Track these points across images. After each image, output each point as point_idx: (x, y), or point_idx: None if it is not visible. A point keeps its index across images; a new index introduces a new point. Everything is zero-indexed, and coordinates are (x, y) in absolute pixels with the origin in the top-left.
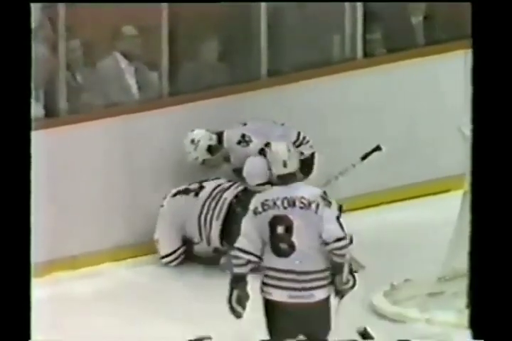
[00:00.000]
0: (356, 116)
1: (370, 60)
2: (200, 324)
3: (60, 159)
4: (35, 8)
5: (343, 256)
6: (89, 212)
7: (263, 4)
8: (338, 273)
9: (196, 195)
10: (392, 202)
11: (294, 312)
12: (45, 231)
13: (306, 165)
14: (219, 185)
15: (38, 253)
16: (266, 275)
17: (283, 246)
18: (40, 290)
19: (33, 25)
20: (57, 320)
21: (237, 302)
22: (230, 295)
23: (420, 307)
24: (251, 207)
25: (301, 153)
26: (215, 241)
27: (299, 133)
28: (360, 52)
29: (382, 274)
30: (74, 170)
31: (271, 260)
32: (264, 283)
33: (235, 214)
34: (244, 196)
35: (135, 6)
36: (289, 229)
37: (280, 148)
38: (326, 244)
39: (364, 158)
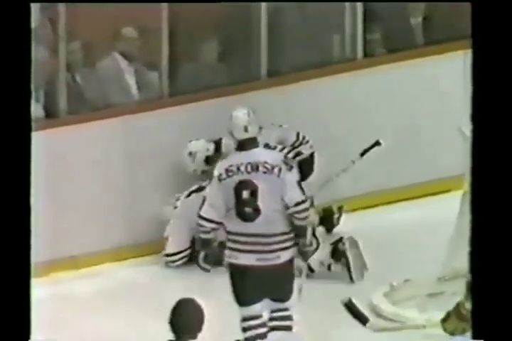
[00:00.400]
0: (356, 116)
1: (370, 60)
2: None
3: (60, 159)
4: (35, 8)
5: (303, 219)
6: (89, 212)
7: (263, 4)
8: (301, 236)
9: None
10: (392, 203)
11: (260, 275)
12: (46, 232)
13: (307, 165)
14: None
15: (38, 253)
16: (232, 241)
17: (248, 210)
18: (41, 290)
19: (33, 25)
20: (57, 320)
21: (204, 261)
22: (198, 255)
23: (420, 307)
24: (215, 173)
25: (301, 153)
26: None
27: (298, 134)
28: (360, 53)
29: (382, 274)
30: (74, 170)
31: (236, 225)
32: (230, 248)
33: None
34: None
35: (135, 6)
36: (253, 194)
37: (240, 114)
38: (287, 207)
39: (363, 153)
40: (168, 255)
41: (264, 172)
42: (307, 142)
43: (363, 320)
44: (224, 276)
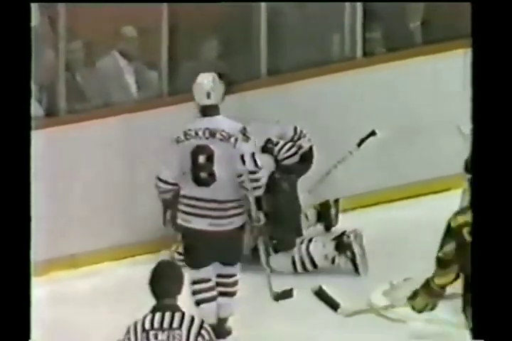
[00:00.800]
0: (356, 115)
1: (369, 59)
2: None
3: (59, 158)
4: (35, 7)
5: (246, 189)
6: (88, 211)
7: (263, 4)
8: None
9: None
10: (392, 201)
11: (212, 240)
12: (45, 230)
13: (307, 158)
14: None
15: (37, 252)
16: (186, 204)
17: (203, 175)
18: (40, 289)
19: (33, 24)
20: (56, 318)
21: (171, 220)
22: (164, 215)
23: None
24: (174, 136)
25: (302, 147)
26: None
27: (295, 128)
28: (359, 51)
29: (382, 273)
30: (73, 169)
31: (191, 189)
32: (183, 212)
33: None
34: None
35: (135, 6)
36: (210, 159)
37: (205, 80)
38: (238, 176)
39: (360, 144)
40: (180, 253)
41: (221, 140)
42: (305, 136)
43: (334, 305)
44: None
